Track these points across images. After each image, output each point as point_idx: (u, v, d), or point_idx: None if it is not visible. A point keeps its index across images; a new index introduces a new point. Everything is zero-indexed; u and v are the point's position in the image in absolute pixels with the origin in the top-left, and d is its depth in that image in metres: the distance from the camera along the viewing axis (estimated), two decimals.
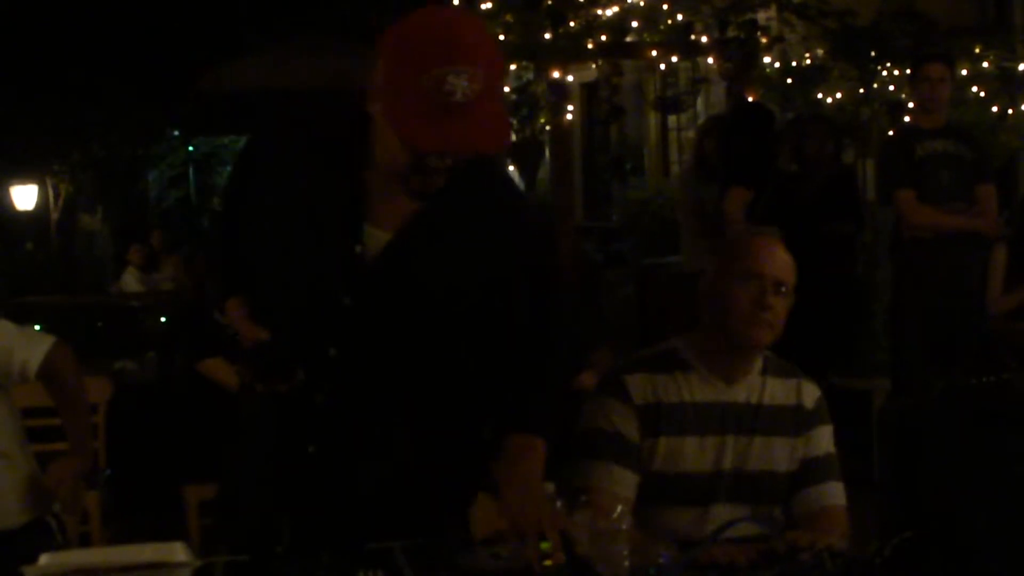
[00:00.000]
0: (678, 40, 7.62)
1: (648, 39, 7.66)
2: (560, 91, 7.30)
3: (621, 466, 2.48)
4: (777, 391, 2.59)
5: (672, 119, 11.61)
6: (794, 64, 8.29)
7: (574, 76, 7.71)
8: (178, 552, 2.08)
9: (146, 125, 15.25)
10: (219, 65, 10.27)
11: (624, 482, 2.48)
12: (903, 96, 7.70)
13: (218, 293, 2.28)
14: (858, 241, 6.63)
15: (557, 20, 7.21)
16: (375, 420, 2.21)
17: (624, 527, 1.98)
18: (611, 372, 2.64)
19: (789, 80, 8.22)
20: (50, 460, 3.20)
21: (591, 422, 2.54)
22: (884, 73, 8.06)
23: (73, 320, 7.72)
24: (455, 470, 2.24)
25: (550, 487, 2.05)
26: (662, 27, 7.63)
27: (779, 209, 6.14)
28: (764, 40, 7.61)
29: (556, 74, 7.30)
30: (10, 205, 15.19)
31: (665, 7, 7.56)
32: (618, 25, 7.54)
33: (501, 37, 6.99)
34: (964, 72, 8.04)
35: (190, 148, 17.19)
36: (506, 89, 7.14)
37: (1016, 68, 8.59)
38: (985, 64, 8.50)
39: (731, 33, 7.41)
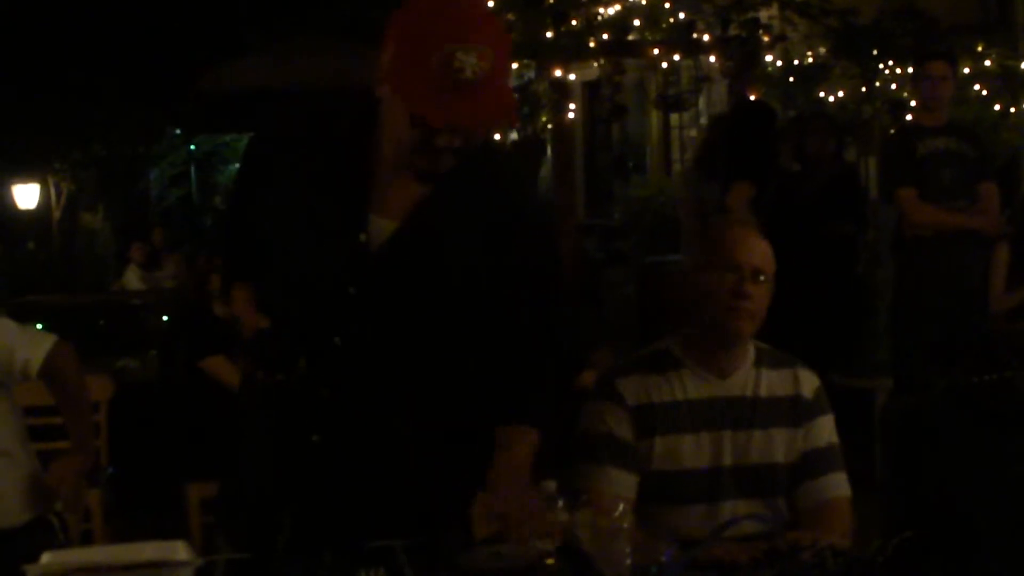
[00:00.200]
0: (680, 38, 7.63)
1: (650, 37, 7.67)
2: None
3: (619, 468, 2.49)
4: (773, 382, 2.58)
5: (674, 118, 11.57)
6: (796, 62, 8.30)
7: (576, 74, 7.72)
8: (180, 550, 2.08)
9: (147, 124, 15.26)
10: (220, 64, 10.29)
11: (623, 484, 2.48)
12: (905, 94, 7.70)
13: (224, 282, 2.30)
14: (860, 240, 6.63)
15: (559, 18, 7.22)
16: (378, 411, 2.21)
17: (626, 525, 1.98)
18: (605, 376, 2.64)
19: (791, 78, 8.22)
20: (52, 459, 3.19)
21: (587, 426, 2.55)
22: (886, 71, 8.06)
23: (75, 319, 7.71)
24: (456, 465, 2.25)
25: (552, 485, 2.04)
26: (664, 25, 7.64)
27: (781, 208, 6.14)
28: (766, 38, 7.62)
29: (558, 72, 7.31)
30: (12, 204, 15.19)
31: (667, 5, 7.57)
32: (620, 23, 7.55)
33: None
34: (966, 70, 8.04)
35: (191, 147, 17.20)
36: None
37: (1018, 66, 8.60)
38: (987, 62, 8.51)
39: (733, 31, 7.42)
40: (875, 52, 7.87)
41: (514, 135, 8.43)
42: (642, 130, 12.61)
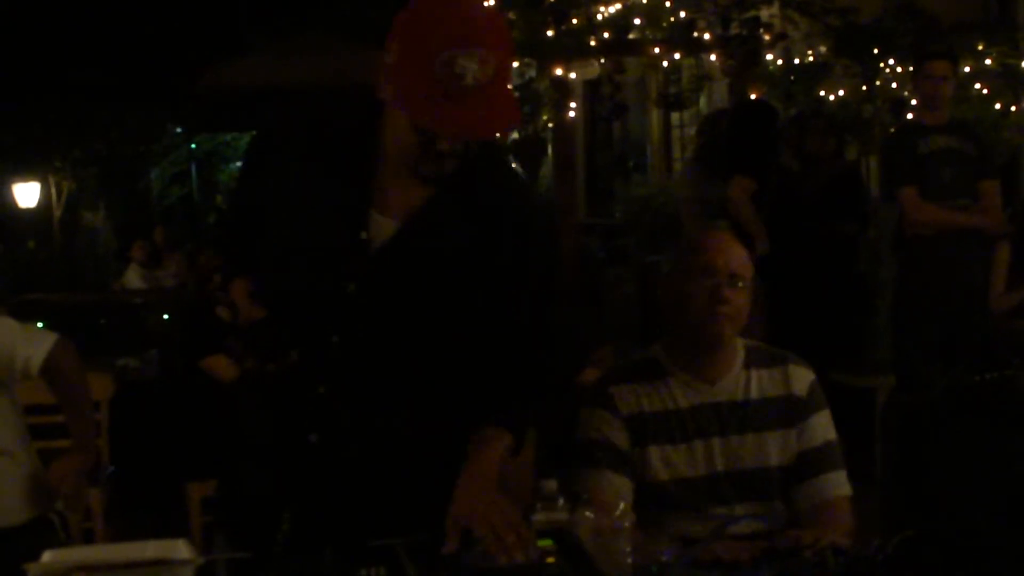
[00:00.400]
0: (681, 37, 7.62)
1: (651, 36, 7.66)
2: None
3: (617, 473, 2.49)
4: (764, 383, 2.57)
5: (675, 116, 11.58)
6: (797, 61, 8.28)
7: (577, 73, 7.71)
8: (180, 549, 2.08)
9: (148, 122, 15.29)
10: (221, 63, 10.29)
11: (621, 488, 2.48)
12: (906, 93, 7.69)
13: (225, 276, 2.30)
14: (861, 239, 6.62)
15: (560, 17, 7.22)
16: (376, 409, 2.21)
17: (627, 524, 1.98)
18: (599, 382, 2.64)
19: (792, 77, 8.21)
20: (53, 457, 3.20)
21: (584, 433, 2.56)
22: (887, 70, 8.05)
23: (75, 317, 7.71)
24: (456, 464, 2.24)
25: (552, 485, 2.04)
26: (665, 24, 7.63)
27: (782, 207, 6.14)
28: (767, 37, 7.61)
29: (559, 71, 7.30)
30: (12, 203, 15.21)
31: (668, 4, 7.56)
32: (621, 22, 7.54)
33: None
34: (967, 69, 8.02)
35: (192, 145, 17.21)
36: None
37: (1019, 65, 8.58)
38: (988, 61, 8.49)
39: (734, 30, 7.41)
40: (876, 51, 7.86)
41: (515, 134, 8.42)
42: (643, 129, 12.61)
